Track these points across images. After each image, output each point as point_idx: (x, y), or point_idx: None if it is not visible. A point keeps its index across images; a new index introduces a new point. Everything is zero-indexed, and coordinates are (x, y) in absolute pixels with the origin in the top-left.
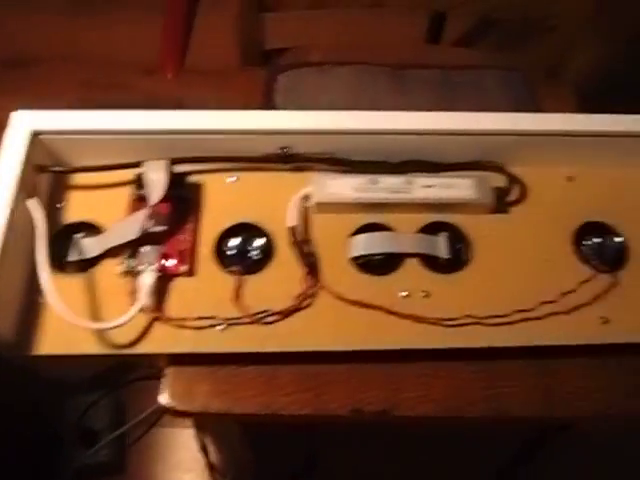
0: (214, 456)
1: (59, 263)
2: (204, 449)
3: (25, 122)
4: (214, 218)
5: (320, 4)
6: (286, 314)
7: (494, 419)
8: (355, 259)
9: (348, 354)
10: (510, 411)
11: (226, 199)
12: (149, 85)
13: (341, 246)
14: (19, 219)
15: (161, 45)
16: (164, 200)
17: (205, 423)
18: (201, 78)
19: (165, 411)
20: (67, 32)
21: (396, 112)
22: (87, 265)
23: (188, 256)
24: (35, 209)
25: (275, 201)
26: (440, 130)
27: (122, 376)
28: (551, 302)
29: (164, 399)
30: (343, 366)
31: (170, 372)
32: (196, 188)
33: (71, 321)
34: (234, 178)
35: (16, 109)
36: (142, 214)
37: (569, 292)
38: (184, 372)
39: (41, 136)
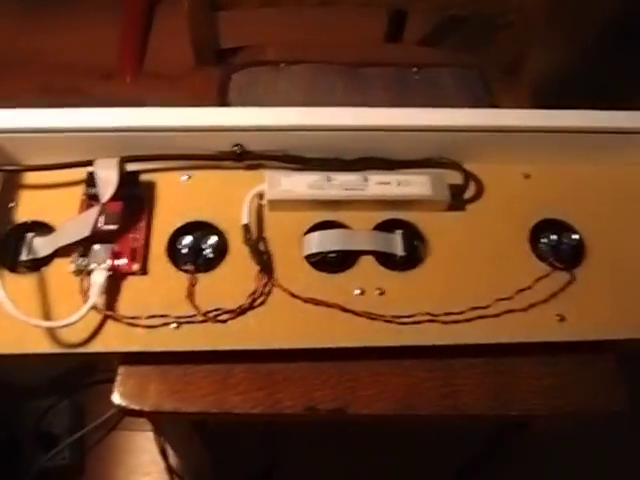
0: (173, 459)
1: (11, 263)
2: (163, 452)
3: None
4: (167, 216)
5: (274, 2)
6: (239, 312)
7: (450, 417)
8: (309, 257)
9: (302, 352)
10: (466, 409)
11: (179, 197)
12: (107, 89)
13: (295, 244)
14: None
15: (119, 49)
16: (116, 198)
17: (159, 424)
18: (159, 81)
19: (118, 410)
20: (23, 37)
21: (348, 108)
22: (39, 264)
23: (140, 254)
24: None
25: (229, 199)
26: (394, 126)
27: (81, 379)
28: (507, 299)
29: (116, 398)
30: (297, 364)
31: (122, 371)
32: (149, 186)
33: (22, 319)
34: (187, 176)
35: None
36: (93, 212)
37: (525, 289)
38: (136, 371)
39: None
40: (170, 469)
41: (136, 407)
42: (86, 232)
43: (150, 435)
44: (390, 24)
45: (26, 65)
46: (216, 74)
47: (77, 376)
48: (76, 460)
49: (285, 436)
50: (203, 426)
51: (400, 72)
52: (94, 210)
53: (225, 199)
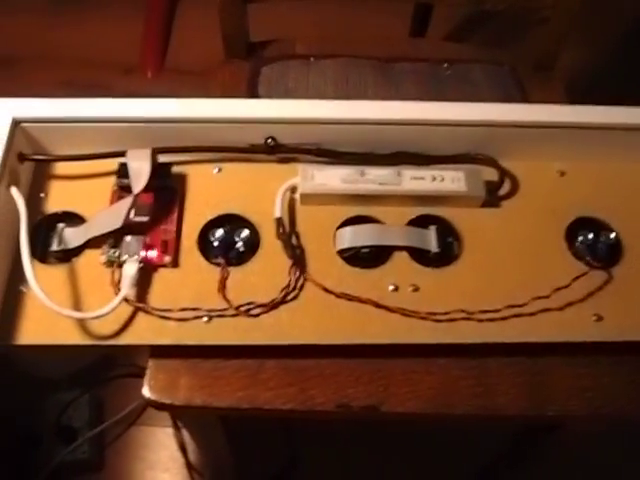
0: (192, 455)
1: (42, 253)
2: (183, 448)
3: (6, 110)
4: (198, 209)
5: None
6: (271, 306)
7: (484, 417)
8: (342, 252)
9: (334, 348)
10: (500, 409)
11: (211, 190)
12: (129, 84)
13: (328, 238)
14: (1, 209)
15: (141, 44)
16: (147, 190)
17: (186, 418)
18: (182, 76)
19: (148, 404)
20: (47, 32)
21: (384, 102)
22: (70, 255)
23: (172, 247)
24: (18, 197)
25: (260, 192)
26: (430, 120)
27: (101, 373)
28: (543, 298)
29: (146, 392)
30: (329, 361)
31: (152, 365)
32: (180, 178)
33: (54, 310)
34: (218, 169)
35: None
36: (126, 203)
37: (562, 288)
38: (166, 365)
39: (23, 124)
40: (189, 465)
41: (166, 401)
42: (118, 223)
43: (169, 431)
44: (414, 19)
45: (49, 60)
46: (246, 67)
47: (97, 370)
48: (95, 455)
49: (306, 434)
50: (230, 422)
51: (431, 67)
52: (126, 201)
53: (257, 192)
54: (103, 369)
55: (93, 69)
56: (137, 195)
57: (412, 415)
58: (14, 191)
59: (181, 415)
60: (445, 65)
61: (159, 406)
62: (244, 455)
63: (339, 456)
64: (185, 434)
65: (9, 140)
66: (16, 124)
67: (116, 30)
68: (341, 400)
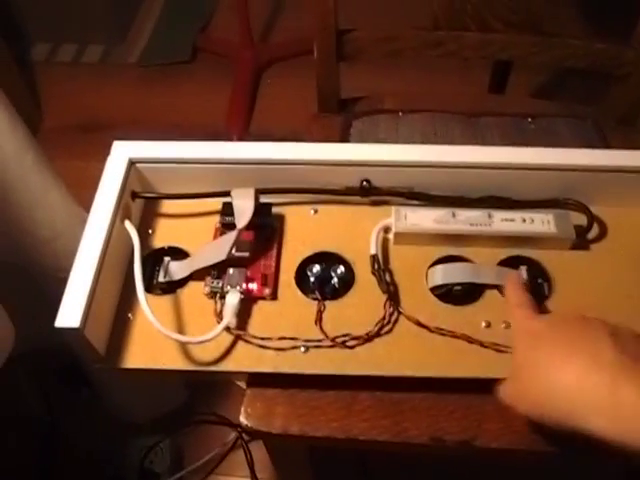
0: None
1: (147, 285)
2: None
3: (124, 151)
4: (296, 246)
5: (394, 53)
6: (367, 339)
7: (579, 453)
8: (434, 289)
9: (427, 382)
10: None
11: (308, 230)
12: None
13: (420, 276)
14: (115, 240)
15: (228, 110)
16: (249, 228)
17: (276, 451)
18: (264, 140)
19: (244, 431)
20: (139, 101)
21: (474, 146)
22: (174, 286)
23: (271, 280)
24: (132, 230)
25: (355, 232)
26: (519, 164)
27: (182, 420)
28: None
29: (243, 419)
30: (422, 394)
31: (250, 393)
32: (279, 218)
33: (161, 335)
34: (314, 210)
35: (92, 170)
36: (230, 237)
37: None
38: (263, 394)
39: (137, 164)
40: None
41: (263, 429)
42: (222, 256)
43: None
44: (494, 76)
45: (141, 124)
46: (338, 121)
47: (178, 416)
48: None
49: (378, 463)
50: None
51: (514, 121)
52: (231, 235)
53: (351, 232)
54: (183, 416)
55: (182, 132)
56: (241, 230)
57: (506, 451)
58: (128, 224)
59: (275, 444)
60: (529, 120)
61: (255, 434)
62: None
63: None
64: None
65: (125, 178)
66: (131, 164)
67: (204, 100)
68: (435, 433)
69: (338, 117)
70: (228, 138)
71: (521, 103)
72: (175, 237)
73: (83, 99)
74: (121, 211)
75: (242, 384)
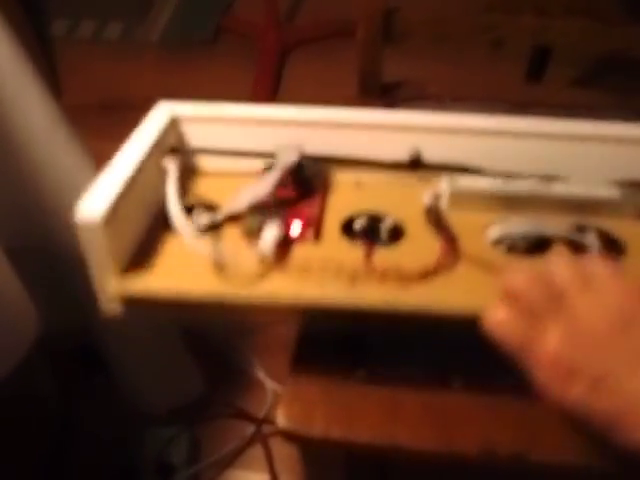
0: None
1: None
2: None
3: (166, 109)
4: (339, 207)
5: (443, 37)
6: (421, 277)
7: None
8: (497, 242)
9: (480, 389)
10: None
11: (352, 195)
12: None
13: (479, 234)
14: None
15: (251, 93)
16: (293, 181)
17: (311, 454)
18: None
19: (280, 433)
20: (159, 81)
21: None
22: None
23: (314, 221)
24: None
25: (402, 199)
26: (577, 135)
27: (200, 412)
28: None
29: (281, 421)
30: (473, 400)
31: (286, 393)
32: (324, 179)
33: (195, 248)
34: (359, 180)
35: (112, 151)
36: (273, 176)
37: None
38: (301, 394)
39: (179, 121)
40: None
41: (303, 433)
42: (265, 193)
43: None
44: (532, 62)
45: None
46: (378, 106)
47: (196, 408)
48: None
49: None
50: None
51: (564, 112)
52: (274, 174)
53: (398, 199)
54: (201, 408)
55: None
56: (284, 171)
57: (562, 468)
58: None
59: (312, 448)
60: (576, 109)
61: (294, 437)
62: None
63: None
64: None
65: (164, 132)
66: (173, 120)
67: (227, 79)
68: (486, 445)
69: (379, 102)
70: None
71: (567, 94)
72: (214, 195)
73: (102, 77)
74: (161, 147)
75: (266, 379)
